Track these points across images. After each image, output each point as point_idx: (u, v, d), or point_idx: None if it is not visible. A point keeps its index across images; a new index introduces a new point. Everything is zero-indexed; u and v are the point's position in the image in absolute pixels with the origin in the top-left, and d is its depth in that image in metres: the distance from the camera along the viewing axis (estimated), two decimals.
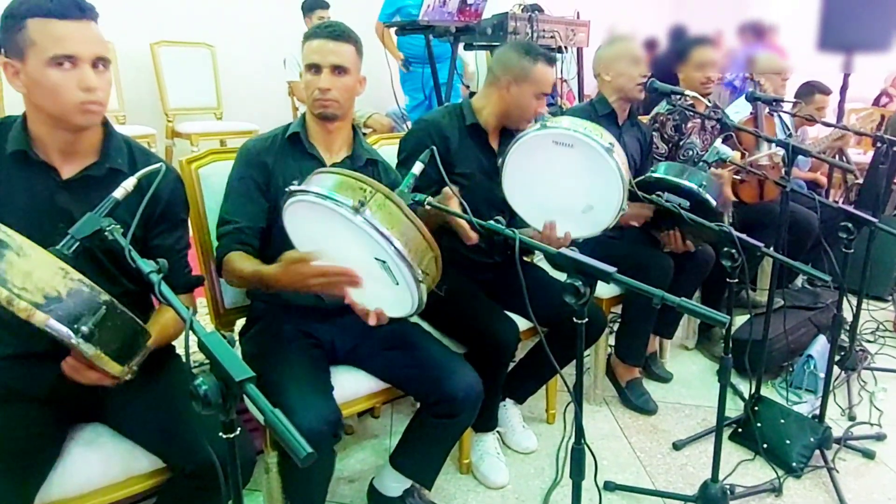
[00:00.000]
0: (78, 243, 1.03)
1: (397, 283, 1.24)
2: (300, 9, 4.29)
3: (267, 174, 1.58)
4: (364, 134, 1.74)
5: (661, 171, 2.01)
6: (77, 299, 0.94)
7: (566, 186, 1.71)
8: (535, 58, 1.86)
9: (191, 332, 0.88)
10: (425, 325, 1.78)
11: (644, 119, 2.62)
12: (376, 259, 1.22)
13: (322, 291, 1.34)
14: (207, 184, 1.71)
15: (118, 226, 1.06)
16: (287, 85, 4.62)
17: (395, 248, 1.17)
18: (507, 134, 1.99)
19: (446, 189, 1.51)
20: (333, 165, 1.59)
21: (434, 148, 1.45)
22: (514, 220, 1.81)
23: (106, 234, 1.04)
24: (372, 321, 1.33)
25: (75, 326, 0.93)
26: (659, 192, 1.94)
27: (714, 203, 1.91)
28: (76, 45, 1.15)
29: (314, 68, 1.54)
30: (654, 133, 2.50)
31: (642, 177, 2.03)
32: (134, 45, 4.06)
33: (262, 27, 4.61)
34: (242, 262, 1.48)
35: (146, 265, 0.98)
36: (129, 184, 1.12)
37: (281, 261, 1.31)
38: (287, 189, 1.27)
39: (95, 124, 1.25)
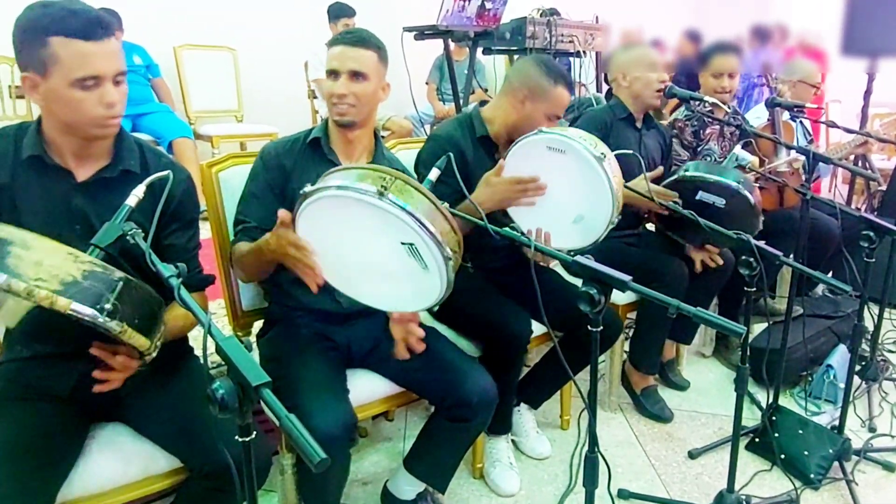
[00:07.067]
0: (102, 252, 1.05)
1: (426, 268, 1.24)
2: (326, 13, 4.33)
3: (284, 177, 1.59)
4: (382, 136, 1.75)
5: (692, 169, 2.00)
6: (94, 279, 0.95)
7: (558, 194, 1.70)
8: (556, 79, 1.83)
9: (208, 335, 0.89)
10: (440, 328, 1.78)
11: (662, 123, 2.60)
12: (403, 244, 1.22)
13: (293, 266, 1.34)
14: (227, 187, 1.73)
15: (139, 230, 1.08)
16: (307, 87, 4.68)
17: (422, 224, 1.17)
18: None
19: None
20: None
21: (451, 155, 1.45)
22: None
23: (127, 238, 1.06)
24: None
25: (98, 305, 0.94)
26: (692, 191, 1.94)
27: (753, 200, 1.91)
28: (101, 66, 1.17)
29: (333, 74, 1.56)
30: (673, 139, 2.49)
31: (675, 176, 2.02)
32: (158, 49, 4.13)
33: (283, 31, 4.66)
34: (244, 245, 1.51)
35: (166, 269, 1.00)
36: (139, 191, 1.14)
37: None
38: (301, 191, 1.26)
39: (112, 135, 1.28)
